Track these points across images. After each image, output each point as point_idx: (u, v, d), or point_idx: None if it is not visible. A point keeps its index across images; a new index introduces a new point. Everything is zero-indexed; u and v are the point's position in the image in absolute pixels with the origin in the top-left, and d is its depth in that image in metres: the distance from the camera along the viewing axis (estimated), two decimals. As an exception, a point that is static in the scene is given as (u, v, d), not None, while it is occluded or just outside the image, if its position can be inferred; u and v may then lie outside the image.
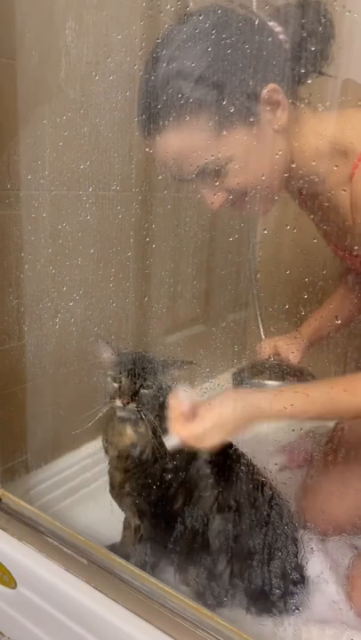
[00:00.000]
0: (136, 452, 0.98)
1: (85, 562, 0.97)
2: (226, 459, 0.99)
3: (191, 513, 0.99)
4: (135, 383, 0.96)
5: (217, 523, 0.99)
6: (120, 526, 1.11)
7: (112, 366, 1.00)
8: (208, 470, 1.00)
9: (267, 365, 1.12)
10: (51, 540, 1.01)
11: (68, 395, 1.29)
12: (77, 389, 1.26)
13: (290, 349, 1.15)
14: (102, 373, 1.00)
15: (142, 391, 0.96)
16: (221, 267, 1.44)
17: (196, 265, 1.40)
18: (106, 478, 1.05)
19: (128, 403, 0.95)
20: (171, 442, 0.98)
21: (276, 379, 1.09)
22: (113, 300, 1.21)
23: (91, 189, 1.18)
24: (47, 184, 1.13)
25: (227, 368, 1.13)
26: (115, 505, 1.05)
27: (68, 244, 1.20)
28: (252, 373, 1.11)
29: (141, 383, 0.96)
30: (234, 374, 1.14)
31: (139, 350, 1.04)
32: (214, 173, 0.84)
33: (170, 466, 0.99)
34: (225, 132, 0.81)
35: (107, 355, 1.03)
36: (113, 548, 1.05)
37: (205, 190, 0.88)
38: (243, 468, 0.99)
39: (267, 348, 1.17)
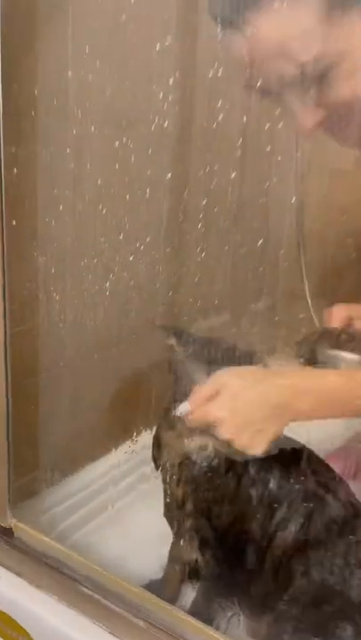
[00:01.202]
0: (204, 458, 0.79)
1: (135, 620, 0.73)
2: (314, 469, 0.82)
3: (274, 542, 0.79)
4: None
5: (314, 559, 0.78)
6: (156, 558, 0.92)
7: (187, 357, 0.82)
8: (293, 483, 0.80)
9: (344, 335, 0.88)
10: (82, 589, 0.79)
11: (91, 389, 1.04)
12: (103, 381, 1.02)
13: None
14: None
15: None
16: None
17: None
18: (134, 495, 0.93)
19: None
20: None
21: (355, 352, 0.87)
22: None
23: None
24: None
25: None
26: (148, 528, 0.90)
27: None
28: (326, 343, 0.87)
29: None
30: (298, 343, 0.91)
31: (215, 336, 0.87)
32: (316, 78, 0.66)
33: (247, 476, 0.79)
34: (339, 17, 0.63)
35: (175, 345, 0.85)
36: (150, 586, 0.85)
37: (297, 105, 0.70)
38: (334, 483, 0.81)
39: (338, 315, 0.95)
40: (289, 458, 0.81)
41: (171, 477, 0.83)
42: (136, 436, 1.06)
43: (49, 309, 1.03)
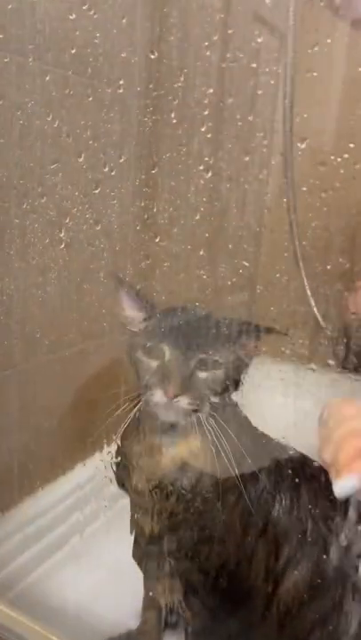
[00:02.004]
0: (186, 483, 0.63)
1: None
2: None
3: (281, 586, 0.64)
4: (190, 360, 0.59)
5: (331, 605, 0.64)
6: (132, 597, 0.75)
7: (145, 333, 0.63)
8: (304, 510, 0.64)
9: None
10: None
11: (47, 394, 0.78)
12: (61, 383, 0.76)
13: None
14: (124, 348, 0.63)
15: (200, 375, 0.60)
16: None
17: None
18: (102, 521, 0.78)
19: (177, 396, 0.58)
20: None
21: None
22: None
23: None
24: None
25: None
26: (122, 561, 0.69)
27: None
28: None
29: (200, 359, 0.60)
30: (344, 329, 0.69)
31: (188, 305, 0.65)
32: None
33: (246, 505, 0.62)
34: None
35: (132, 314, 0.64)
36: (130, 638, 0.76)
37: None
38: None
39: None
40: (297, 479, 0.66)
41: (141, 508, 0.67)
42: (106, 448, 0.80)
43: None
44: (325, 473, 0.68)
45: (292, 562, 0.64)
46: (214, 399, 0.61)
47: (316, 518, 0.65)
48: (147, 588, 0.73)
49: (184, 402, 0.59)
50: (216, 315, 0.64)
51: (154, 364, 0.61)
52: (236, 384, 0.63)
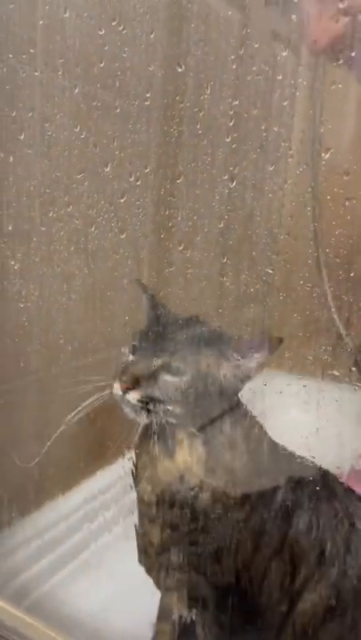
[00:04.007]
0: (184, 496, 0.61)
1: None
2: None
3: (297, 607, 0.61)
4: (154, 359, 0.60)
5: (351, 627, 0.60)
6: (143, 614, 0.72)
7: (136, 333, 0.64)
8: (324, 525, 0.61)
9: None
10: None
11: (60, 401, 0.78)
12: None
13: None
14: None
15: (163, 377, 0.59)
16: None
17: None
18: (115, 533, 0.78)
19: (128, 389, 0.59)
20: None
21: None
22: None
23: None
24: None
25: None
26: (134, 573, 0.67)
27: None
28: None
29: (165, 362, 0.59)
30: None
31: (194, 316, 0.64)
32: None
33: (258, 519, 0.60)
34: None
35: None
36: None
37: (314, 10, 0.56)
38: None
39: None
40: (318, 496, 0.63)
41: (145, 517, 0.65)
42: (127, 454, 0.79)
43: (4, 286, 0.76)
44: (348, 489, 0.65)
45: (309, 582, 0.62)
46: (178, 409, 0.59)
47: (336, 537, 0.62)
48: (161, 599, 0.71)
49: (133, 396, 0.59)
50: (219, 327, 0.64)
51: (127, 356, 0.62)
52: (227, 400, 0.61)
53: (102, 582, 0.84)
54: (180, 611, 0.67)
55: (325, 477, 0.65)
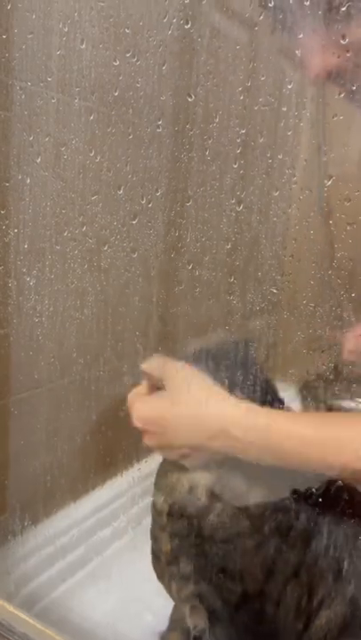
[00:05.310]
0: (192, 510, 0.60)
1: None
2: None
3: (314, 624, 0.58)
4: None
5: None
6: (152, 622, 0.73)
7: None
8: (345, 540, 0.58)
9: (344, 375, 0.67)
10: None
11: (74, 411, 0.81)
12: (89, 402, 0.78)
13: None
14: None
15: None
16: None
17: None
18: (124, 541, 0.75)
19: None
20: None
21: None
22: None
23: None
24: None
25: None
26: (144, 582, 0.66)
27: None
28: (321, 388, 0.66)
29: None
30: (301, 389, 0.68)
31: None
32: (337, 10, 0.52)
33: (269, 532, 0.58)
34: None
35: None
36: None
37: (312, 40, 0.57)
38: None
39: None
40: (336, 512, 0.59)
41: (157, 522, 0.65)
42: (136, 465, 0.81)
43: (21, 301, 0.79)
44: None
45: (326, 601, 0.60)
46: None
47: (353, 554, 0.60)
48: (173, 609, 0.71)
49: None
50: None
51: None
52: None
53: (111, 591, 0.85)
54: (192, 622, 0.64)
55: (342, 490, 0.60)
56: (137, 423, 0.60)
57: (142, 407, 0.60)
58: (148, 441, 0.60)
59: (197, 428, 0.57)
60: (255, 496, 0.61)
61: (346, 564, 0.59)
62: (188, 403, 0.58)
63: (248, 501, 0.61)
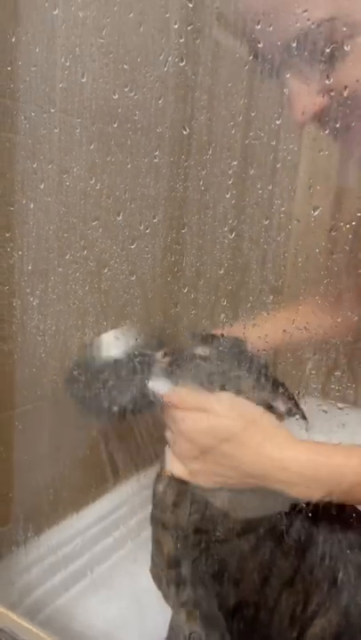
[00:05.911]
0: (196, 505, 0.61)
1: None
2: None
3: (306, 633, 0.59)
4: None
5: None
6: (153, 631, 0.72)
7: None
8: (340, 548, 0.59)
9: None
10: None
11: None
12: None
13: None
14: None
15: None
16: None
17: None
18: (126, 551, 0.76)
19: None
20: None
21: None
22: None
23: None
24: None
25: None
26: (144, 591, 0.67)
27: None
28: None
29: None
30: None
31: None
32: (324, 50, 0.53)
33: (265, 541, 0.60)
34: None
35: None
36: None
37: (296, 84, 0.57)
38: None
39: None
40: (333, 521, 0.61)
41: (159, 520, 0.66)
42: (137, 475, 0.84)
43: (25, 320, 0.82)
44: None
45: (321, 609, 0.60)
46: None
47: (348, 563, 0.61)
48: (172, 618, 0.71)
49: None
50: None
51: None
52: None
53: (112, 599, 0.87)
54: (189, 628, 0.64)
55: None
56: (190, 434, 0.58)
57: (205, 422, 0.57)
58: (191, 462, 0.58)
59: (261, 464, 0.55)
60: (253, 504, 0.63)
61: (341, 572, 0.60)
62: (255, 435, 0.56)
63: (246, 509, 0.62)
